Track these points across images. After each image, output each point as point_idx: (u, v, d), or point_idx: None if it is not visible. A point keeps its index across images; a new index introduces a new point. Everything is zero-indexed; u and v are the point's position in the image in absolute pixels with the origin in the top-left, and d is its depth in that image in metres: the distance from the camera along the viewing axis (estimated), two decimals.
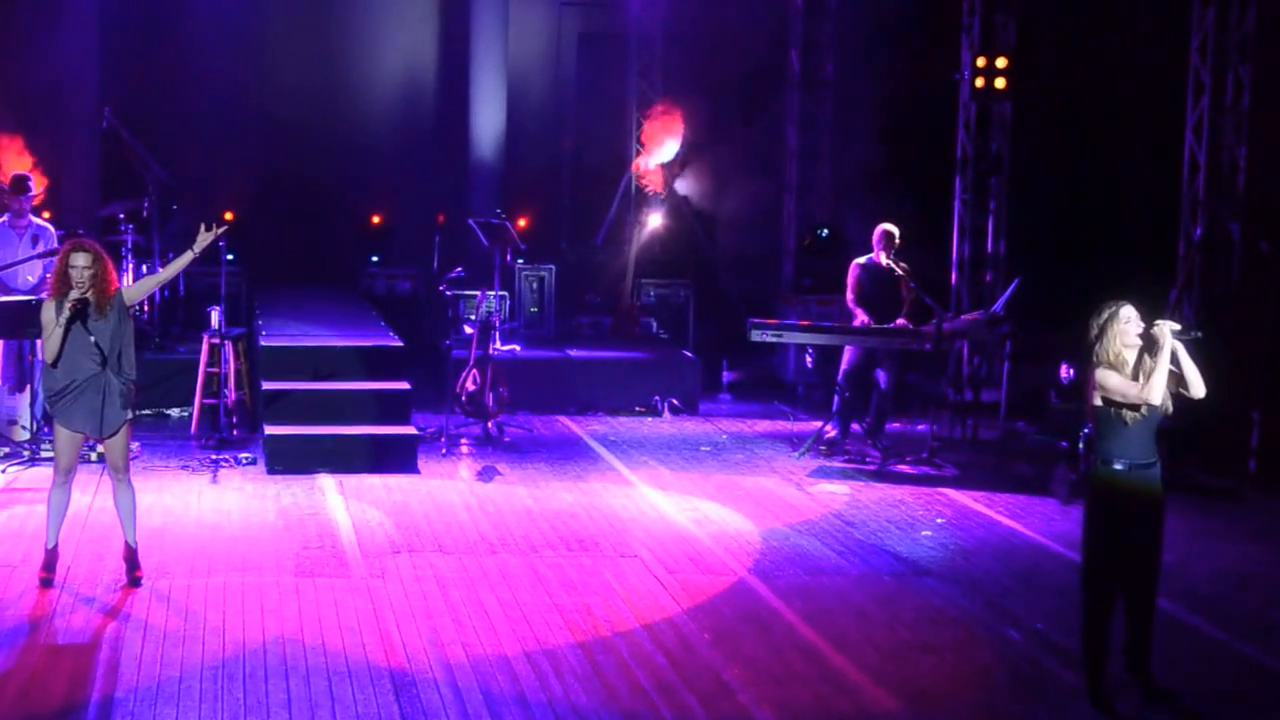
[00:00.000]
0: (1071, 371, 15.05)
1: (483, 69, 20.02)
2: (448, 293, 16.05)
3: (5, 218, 13.90)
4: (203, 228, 10.23)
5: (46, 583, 9.82)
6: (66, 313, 9.54)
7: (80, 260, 9.61)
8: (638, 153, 19.92)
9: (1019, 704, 8.54)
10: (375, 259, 19.83)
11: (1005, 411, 15.75)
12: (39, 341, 13.29)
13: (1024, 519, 12.52)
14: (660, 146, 19.49)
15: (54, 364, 9.64)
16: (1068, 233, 18.46)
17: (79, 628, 9.19)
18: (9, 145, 15.73)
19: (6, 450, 13.39)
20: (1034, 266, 16.36)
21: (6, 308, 13.12)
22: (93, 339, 9.60)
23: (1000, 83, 17.66)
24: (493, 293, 15.64)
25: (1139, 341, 8.29)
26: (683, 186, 20.09)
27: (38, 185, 14.23)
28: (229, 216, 17.65)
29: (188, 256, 10.28)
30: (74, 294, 9.56)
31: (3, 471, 12.90)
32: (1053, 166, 18.67)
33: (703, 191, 20.16)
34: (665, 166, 19.65)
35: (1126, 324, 8.29)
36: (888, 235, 14.49)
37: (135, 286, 10.95)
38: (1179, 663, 9.16)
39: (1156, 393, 8.19)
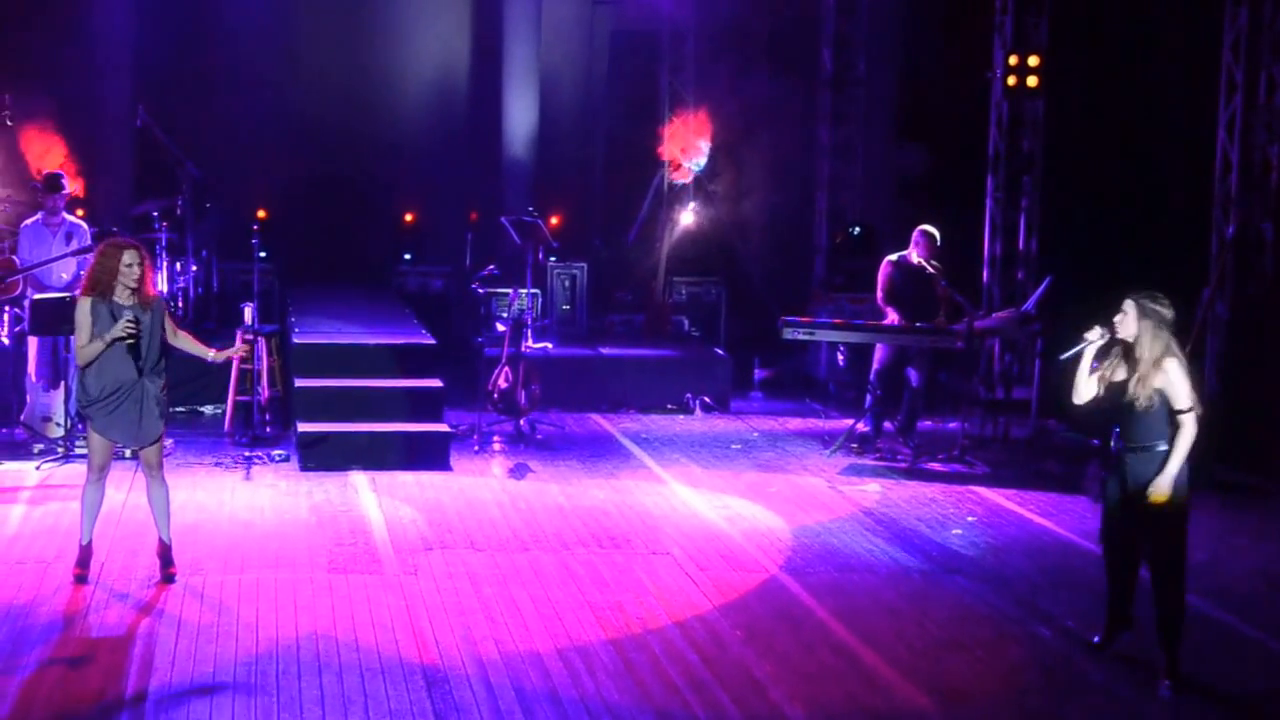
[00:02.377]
0: None
1: (515, 67, 20.03)
2: (480, 290, 16.08)
3: (39, 216, 13.98)
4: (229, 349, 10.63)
5: (81, 579, 9.87)
6: (121, 334, 9.53)
7: (131, 258, 9.63)
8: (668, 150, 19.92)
9: (1050, 702, 8.53)
10: (408, 257, 19.86)
11: (1036, 409, 15.71)
12: (72, 339, 13.42)
13: (1055, 517, 12.50)
14: (689, 153, 19.50)
15: (85, 368, 9.67)
16: (1099, 231, 18.38)
17: (113, 623, 9.24)
18: (43, 143, 15.81)
19: (41, 447, 13.47)
20: (1065, 265, 16.30)
21: (41, 305, 13.18)
22: (141, 345, 9.63)
23: (1032, 81, 17.62)
24: (525, 290, 15.66)
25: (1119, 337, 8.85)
26: (714, 184, 20.08)
27: (71, 183, 14.30)
28: (261, 214, 17.74)
29: (205, 350, 10.29)
30: (129, 326, 9.55)
31: (37, 468, 12.98)
32: (1085, 165, 18.59)
33: (734, 189, 20.15)
34: (696, 176, 19.65)
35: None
36: (928, 236, 14.47)
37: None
38: (1211, 659, 9.15)
39: (1076, 395, 9.10)
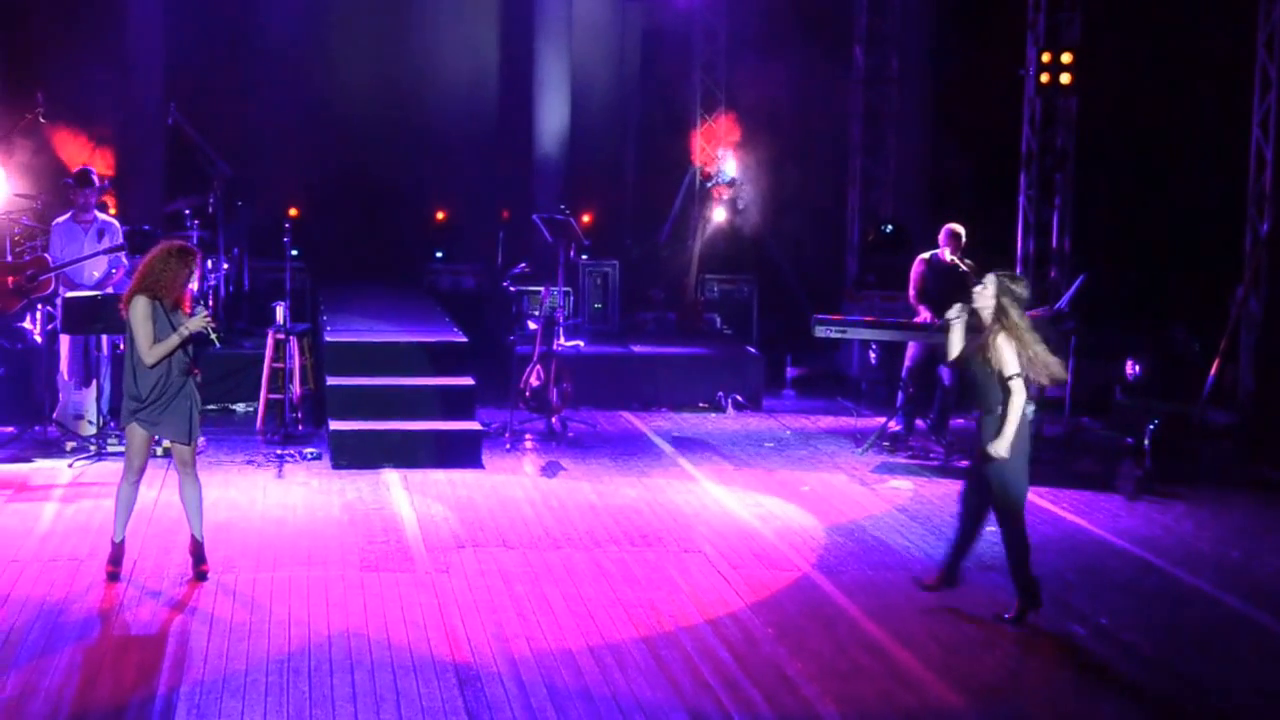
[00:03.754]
0: (1138, 368, 14.95)
1: (546, 66, 20.03)
2: (511, 289, 16.08)
3: (70, 214, 13.99)
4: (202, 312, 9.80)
5: (114, 576, 9.90)
6: (201, 324, 9.55)
7: (193, 263, 9.67)
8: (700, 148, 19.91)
9: (1083, 701, 8.49)
10: (439, 255, 19.88)
11: (1070, 407, 15.64)
12: (104, 337, 13.48)
13: (1088, 514, 12.44)
14: (719, 159, 19.49)
15: (135, 364, 9.69)
16: (1133, 229, 18.30)
17: (146, 621, 9.26)
18: (75, 141, 15.86)
19: (73, 444, 13.51)
20: (1099, 263, 16.23)
21: (73, 303, 13.21)
22: (190, 348, 9.69)
23: (1065, 78, 17.53)
24: (556, 288, 15.66)
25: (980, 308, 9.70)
26: (747, 183, 20.04)
27: (102, 177, 14.33)
28: (293, 212, 17.77)
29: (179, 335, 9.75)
30: (207, 319, 9.58)
31: (70, 466, 13.02)
32: (1118, 162, 18.51)
33: (766, 187, 20.11)
34: (726, 185, 19.64)
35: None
36: (954, 235, 14.45)
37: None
38: (1244, 660, 9.10)
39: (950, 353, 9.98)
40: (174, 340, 9.58)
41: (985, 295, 9.62)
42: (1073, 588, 10.39)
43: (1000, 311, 9.55)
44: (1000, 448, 9.43)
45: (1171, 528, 12.16)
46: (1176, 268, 17.38)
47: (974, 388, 9.71)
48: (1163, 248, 17.70)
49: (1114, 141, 18.49)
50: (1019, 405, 9.43)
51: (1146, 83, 18.16)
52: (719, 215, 19.79)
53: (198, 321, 9.60)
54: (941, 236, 14.52)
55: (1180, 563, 11.08)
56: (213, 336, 9.78)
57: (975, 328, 9.73)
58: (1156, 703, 8.47)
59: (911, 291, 14.65)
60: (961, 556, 10.04)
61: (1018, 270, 18.36)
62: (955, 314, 9.85)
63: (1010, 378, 9.45)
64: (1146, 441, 13.51)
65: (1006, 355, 9.47)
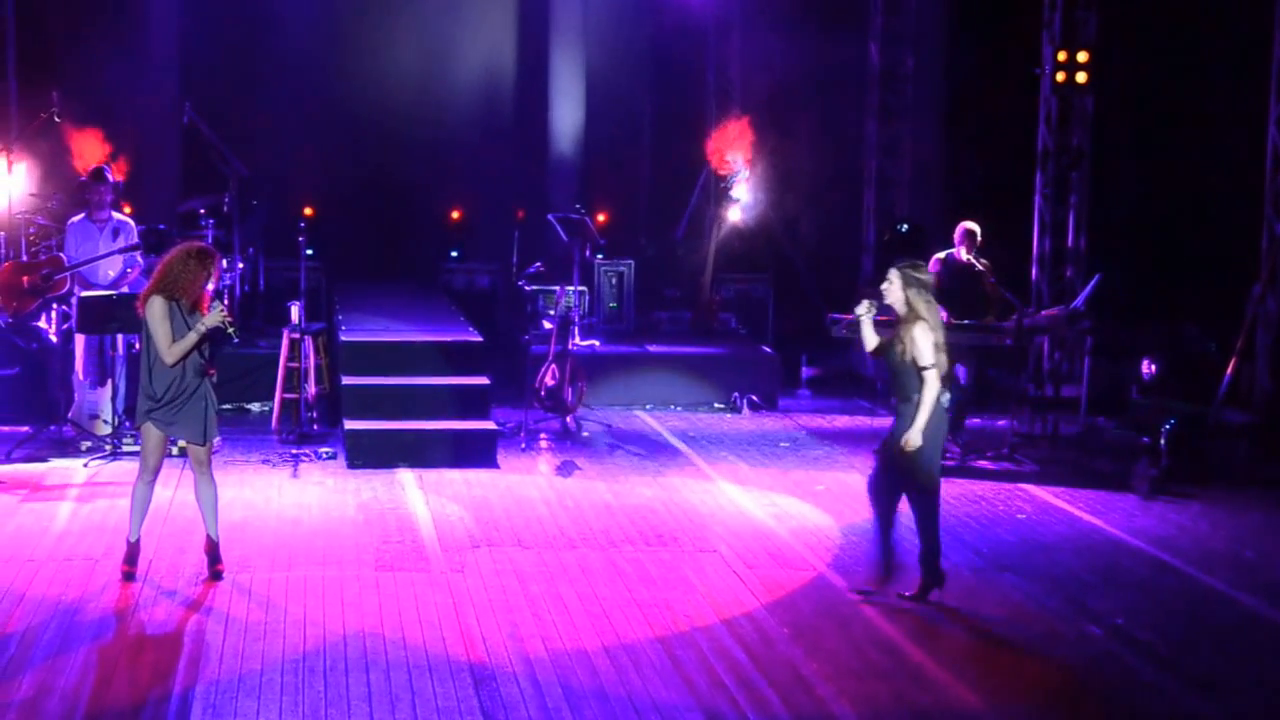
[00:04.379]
0: (1153, 367, 14.90)
1: (561, 64, 20.03)
2: (527, 288, 16.08)
3: (85, 213, 14.01)
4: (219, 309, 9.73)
5: (129, 576, 9.91)
6: (218, 320, 9.55)
7: (213, 264, 9.67)
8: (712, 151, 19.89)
9: (1100, 700, 8.47)
10: (454, 254, 19.86)
11: (1086, 407, 15.62)
12: (120, 336, 13.50)
13: (1105, 515, 12.40)
14: (733, 162, 19.47)
15: (151, 364, 9.70)
16: (1149, 227, 18.26)
17: (161, 620, 9.27)
18: (90, 140, 15.88)
19: (89, 444, 13.53)
20: (1115, 262, 16.20)
21: (89, 303, 13.24)
22: (205, 348, 9.69)
23: (1081, 77, 17.51)
24: (572, 288, 15.65)
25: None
26: (762, 182, 20.02)
27: (116, 177, 14.35)
28: (308, 212, 17.78)
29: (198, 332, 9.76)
30: (225, 315, 9.59)
31: (85, 465, 13.04)
32: (1134, 161, 18.47)
33: (782, 186, 20.07)
34: (739, 184, 19.63)
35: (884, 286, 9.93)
36: (969, 234, 14.41)
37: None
38: (1261, 660, 9.08)
39: (866, 346, 10.16)
40: (192, 337, 9.58)
41: (893, 289, 9.85)
42: (1089, 588, 10.37)
43: (909, 303, 9.77)
44: (914, 436, 9.67)
45: (1187, 527, 12.13)
46: (1193, 267, 17.33)
47: (893, 377, 9.95)
48: (1179, 247, 17.66)
49: (1130, 140, 18.46)
50: (933, 395, 9.67)
51: (1162, 81, 18.12)
52: (734, 214, 19.76)
53: (214, 317, 9.60)
54: (956, 235, 14.49)
55: (1196, 562, 11.05)
56: (230, 331, 9.78)
57: (893, 321, 9.97)
58: (1173, 702, 8.44)
59: None
60: (889, 544, 10.10)
61: (1033, 271, 18.36)
62: (864, 310, 10.06)
63: (925, 368, 9.68)
64: (1162, 441, 13.47)
65: (923, 346, 9.69)
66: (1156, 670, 8.81)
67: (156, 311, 9.62)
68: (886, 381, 17.22)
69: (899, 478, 9.95)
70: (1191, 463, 13.61)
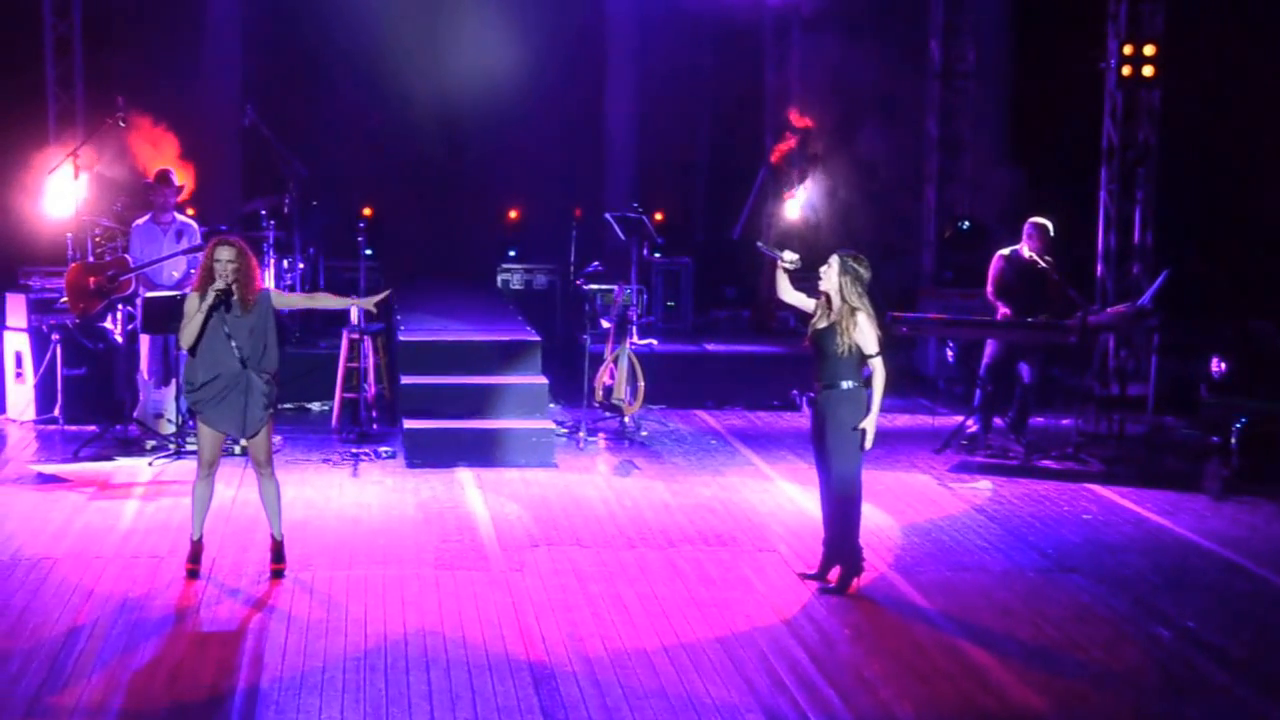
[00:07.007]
0: (1223, 365, 14.71)
1: (618, 62, 20.01)
2: (584, 287, 16.05)
3: (149, 215, 14.11)
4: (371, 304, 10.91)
5: (193, 574, 9.96)
6: (211, 298, 9.67)
7: (225, 254, 9.73)
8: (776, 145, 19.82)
9: (1169, 704, 8.35)
10: (512, 253, 19.88)
11: (1153, 405, 15.44)
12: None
13: (1173, 515, 12.25)
14: (790, 164, 19.43)
15: (191, 352, 9.78)
16: (1216, 224, 18.06)
17: (224, 618, 9.30)
18: (154, 143, 15.96)
19: (154, 443, 13.60)
20: (1182, 258, 16.02)
21: (153, 304, 13.33)
22: (232, 341, 9.71)
23: (1148, 70, 17.32)
24: (629, 287, 15.61)
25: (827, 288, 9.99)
26: (820, 180, 19.92)
27: (180, 178, 14.43)
28: (367, 212, 17.82)
29: (348, 301, 11.36)
30: (218, 284, 9.68)
31: (150, 464, 13.10)
32: (1202, 156, 18.26)
33: (841, 184, 19.98)
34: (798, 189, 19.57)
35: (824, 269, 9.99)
36: (1041, 229, 14.15)
37: (287, 296, 11.35)
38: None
39: (779, 292, 10.37)
40: (197, 319, 9.71)
41: (830, 275, 9.92)
42: (1158, 590, 10.24)
43: (841, 291, 9.85)
44: (870, 425, 9.80)
45: (1260, 528, 11.97)
46: (1263, 262, 17.11)
47: (822, 362, 9.92)
48: (1248, 242, 17.45)
49: (1197, 134, 18.24)
50: (882, 382, 9.81)
51: (1230, 74, 17.91)
52: (792, 212, 19.68)
53: (198, 300, 9.74)
54: (1026, 230, 14.25)
55: (1269, 564, 10.89)
56: (234, 299, 9.78)
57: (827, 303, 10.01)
58: (1245, 707, 8.32)
59: (990, 288, 14.45)
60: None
61: (1098, 268, 18.19)
62: (789, 259, 10.16)
63: (872, 356, 9.80)
64: (1233, 440, 13.30)
65: (869, 335, 9.79)
66: (1229, 674, 8.68)
67: (187, 305, 9.84)
68: (948, 380, 17.35)
69: (820, 461, 10.09)
70: (1264, 462, 13.41)
